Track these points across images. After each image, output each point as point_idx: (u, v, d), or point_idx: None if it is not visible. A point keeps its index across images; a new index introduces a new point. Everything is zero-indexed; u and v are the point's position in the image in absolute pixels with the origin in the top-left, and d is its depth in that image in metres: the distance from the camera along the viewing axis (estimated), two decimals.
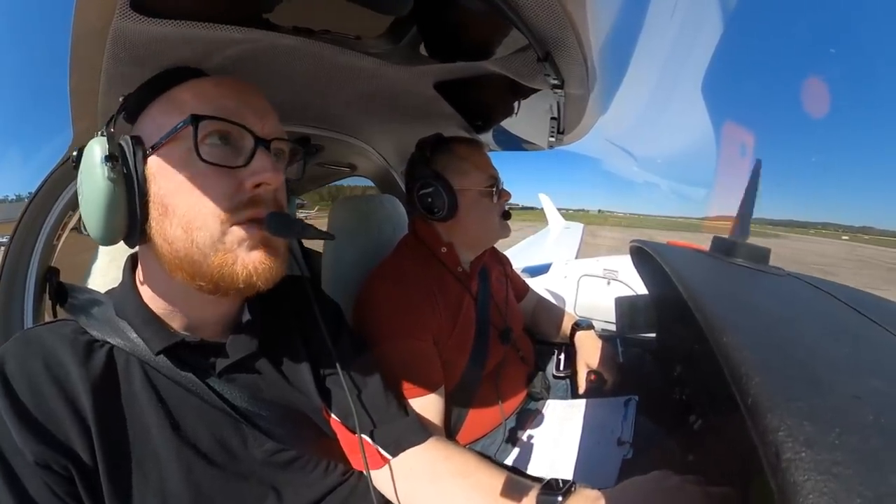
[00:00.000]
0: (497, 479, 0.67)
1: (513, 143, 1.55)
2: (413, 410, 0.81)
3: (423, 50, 0.74)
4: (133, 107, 0.60)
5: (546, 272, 3.19)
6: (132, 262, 0.67)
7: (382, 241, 1.28)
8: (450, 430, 1.06)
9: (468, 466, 0.70)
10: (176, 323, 0.63)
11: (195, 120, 0.54)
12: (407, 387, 0.88)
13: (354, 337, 0.83)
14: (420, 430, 0.75)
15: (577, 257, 4.65)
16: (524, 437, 1.11)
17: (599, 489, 0.63)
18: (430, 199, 1.04)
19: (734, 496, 0.55)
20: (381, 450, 0.72)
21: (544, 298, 1.61)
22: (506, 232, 1.15)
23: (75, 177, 0.58)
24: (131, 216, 0.56)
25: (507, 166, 1.17)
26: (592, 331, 1.34)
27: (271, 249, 0.59)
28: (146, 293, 0.63)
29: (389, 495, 0.71)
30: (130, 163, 0.56)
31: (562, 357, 1.39)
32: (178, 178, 0.55)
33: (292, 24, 0.63)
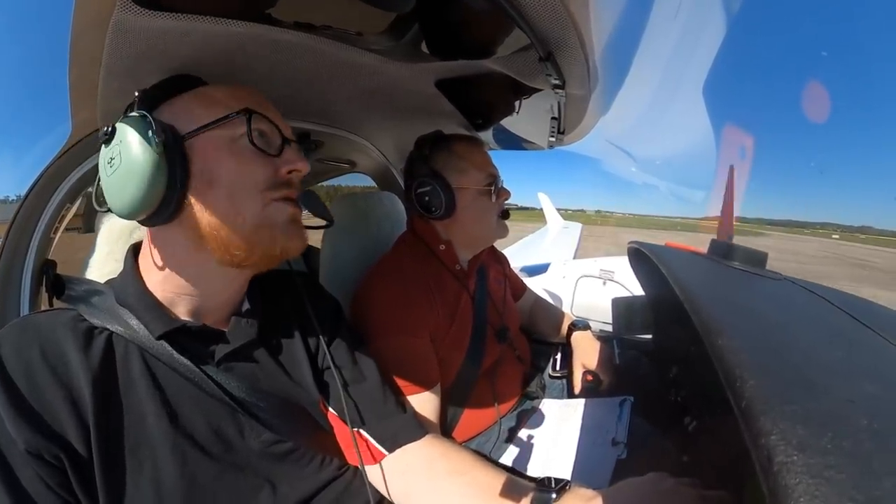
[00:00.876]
0: (493, 478, 0.67)
1: (513, 143, 1.55)
2: (410, 407, 0.82)
3: (424, 47, 0.73)
4: (151, 98, 0.63)
5: (544, 272, 3.19)
6: (134, 250, 0.68)
7: (381, 238, 1.28)
8: (446, 428, 1.07)
9: (464, 464, 0.71)
10: (178, 309, 0.64)
11: (249, 112, 0.62)
12: (403, 383, 0.88)
13: (353, 332, 0.83)
14: (417, 427, 0.76)
15: (575, 257, 4.66)
16: (519, 436, 1.11)
17: (594, 489, 0.63)
18: (427, 198, 1.04)
19: (728, 499, 0.55)
20: (377, 445, 0.72)
21: (542, 298, 1.61)
22: (504, 232, 1.14)
23: (76, 166, 0.60)
24: (171, 188, 0.58)
25: (503, 165, 1.18)
26: (589, 331, 1.35)
27: (301, 225, 0.68)
28: (151, 280, 0.64)
29: (384, 491, 0.71)
30: (170, 140, 0.59)
31: (558, 357, 1.40)
32: (224, 158, 0.61)
33: (294, 19, 0.63)
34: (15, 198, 0.86)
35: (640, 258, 1.12)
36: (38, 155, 0.83)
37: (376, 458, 0.72)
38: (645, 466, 0.64)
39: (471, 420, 1.10)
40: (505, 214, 1.14)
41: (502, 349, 1.18)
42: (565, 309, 1.78)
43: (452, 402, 1.07)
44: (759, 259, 0.86)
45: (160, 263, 0.64)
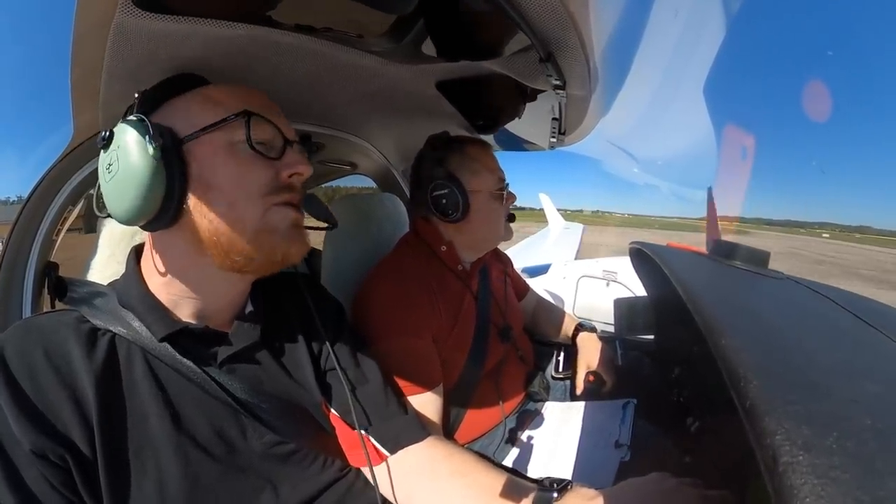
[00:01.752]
0: (494, 479, 0.67)
1: (514, 144, 1.55)
2: (412, 408, 0.81)
3: (425, 49, 0.74)
4: (151, 101, 0.62)
5: (545, 272, 3.19)
6: (136, 253, 0.68)
7: (383, 239, 1.28)
8: (448, 429, 1.06)
9: (466, 465, 0.71)
10: (181, 311, 0.64)
11: (248, 115, 0.61)
12: (405, 384, 0.88)
13: (355, 334, 0.83)
14: (419, 429, 0.75)
15: (576, 258, 4.66)
16: (523, 438, 1.11)
17: (596, 489, 0.63)
18: (444, 200, 1.04)
19: (731, 499, 0.55)
20: (379, 446, 0.72)
21: (544, 299, 1.61)
22: (509, 234, 1.15)
23: (78, 168, 0.60)
24: (169, 194, 0.58)
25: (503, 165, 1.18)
26: (595, 333, 1.35)
27: (303, 230, 0.67)
28: (153, 283, 0.64)
29: (387, 493, 0.71)
30: (169, 144, 0.58)
31: (560, 358, 1.39)
32: (223, 162, 0.60)
33: (295, 21, 0.63)
34: (16, 199, 0.87)
35: (642, 258, 1.12)
36: (41, 157, 0.83)
37: (379, 461, 0.72)
38: (648, 468, 0.64)
39: (474, 421, 1.10)
40: (511, 218, 1.14)
41: (506, 349, 1.18)
42: (567, 310, 1.77)
43: (455, 402, 1.07)
44: (761, 259, 0.86)
45: (162, 268, 0.64)
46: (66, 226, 0.87)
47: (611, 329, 1.41)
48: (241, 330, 0.68)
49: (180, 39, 0.60)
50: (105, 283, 0.69)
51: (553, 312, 1.53)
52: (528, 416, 1.17)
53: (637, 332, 1.37)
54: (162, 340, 0.60)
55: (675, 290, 0.69)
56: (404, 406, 0.79)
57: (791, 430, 0.31)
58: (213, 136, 0.60)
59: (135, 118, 0.58)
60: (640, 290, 1.33)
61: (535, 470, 1.01)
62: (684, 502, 0.57)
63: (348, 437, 0.73)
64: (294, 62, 0.76)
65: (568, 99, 0.83)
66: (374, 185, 1.86)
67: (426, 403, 0.89)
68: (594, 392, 1.17)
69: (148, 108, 0.61)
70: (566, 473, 0.95)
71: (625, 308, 1.35)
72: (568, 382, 1.32)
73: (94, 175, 0.81)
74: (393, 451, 0.72)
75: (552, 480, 0.65)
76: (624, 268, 2.61)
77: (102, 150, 0.60)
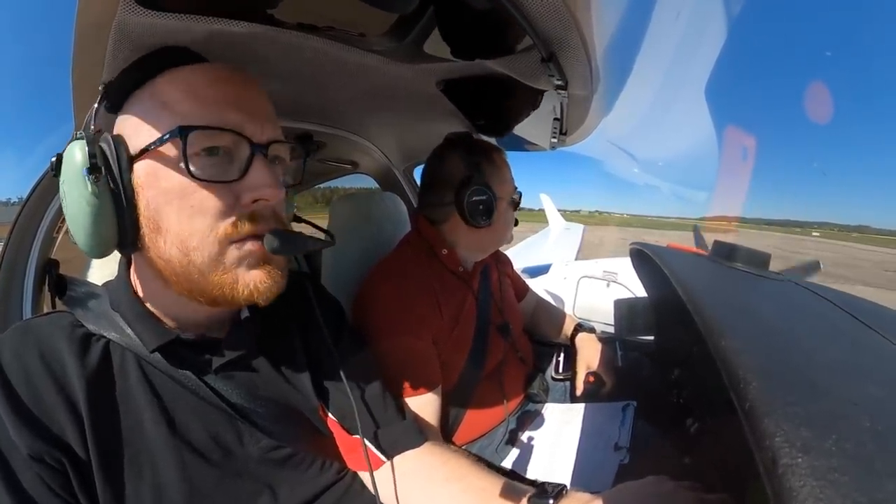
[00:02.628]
0: (490, 483, 0.67)
1: (515, 144, 1.54)
2: (410, 413, 0.81)
3: (426, 48, 0.74)
4: (115, 96, 0.57)
5: (546, 273, 3.19)
6: (128, 255, 0.65)
7: (383, 238, 1.28)
8: (447, 430, 1.06)
9: (462, 470, 0.70)
10: (172, 320, 0.62)
11: (183, 132, 0.51)
12: (404, 385, 0.88)
13: (355, 336, 0.82)
14: (417, 434, 0.75)
15: (577, 258, 4.65)
16: (522, 439, 1.11)
17: (593, 492, 0.63)
18: (481, 207, 1.01)
19: (730, 502, 0.55)
20: (376, 451, 0.72)
21: (544, 299, 1.61)
22: (511, 238, 1.17)
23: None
24: (121, 231, 0.54)
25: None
26: (594, 334, 1.34)
27: (273, 265, 0.58)
28: (142, 292, 0.62)
29: (383, 497, 0.71)
30: (115, 171, 0.53)
31: (560, 358, 1.39)
32: (168, 193, 0.53)
33: (297, 20, 0.63)
34: (17, 200, 0.87)
35: (643, 259, 1.12)
36: (42, 156, 0.83)
37: (376, 466, 0.71)
38: (647, 471, 0.64)
39: (473, 422, 1.10)
40: (515, 222, 1.16)
41: (505, 350, 1.18)
42: (567, 310, 1.77)
43: (454, 404, 1.07)
44: (761, 260, 0.86)
45: (143, 282, 0.62)
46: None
47: (611, 330, 1.41)
48: (237, 336, 0.66)
49: (182, 37, 0.60)
50: (105, 279, 0.68)
51: (553, 313, 1.53)
52: (528, 417, 1.17)
53: (637, 333, 1.37)
54: (153, 351, 0.58)
55: (676, 292, 0.69)
56: (402, 411, 0.78)
57: (790, 432, 0.31)
58: (157, 155, 0.53)
59: (79, 138, 0.53)
60: (640, 291, 1.33)
61: (533, 472, 1.01)
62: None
63: (346, 442, 0.72)
64: (296, 61, 0.76)
65: (569, 99, 0.83)
66: (368, 185, 1.86)
67: (425, 405, 0.89)
68: (594, 393, 1.17)
69: (113, 104, 0.57)
70: (565, 476, 0.95)
71: (625, 309, 1.35)
72: (568, 383, 1.32)
73: None
74: (390, 456, 0.72)
75: (548, 485, 0.64)
76: (624, 268, 2.61)
77: (55, 178, 0.56)
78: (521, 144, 1.53)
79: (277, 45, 0.69)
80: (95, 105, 0.56)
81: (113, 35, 0.55)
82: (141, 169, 0.54)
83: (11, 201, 0.90)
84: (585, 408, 1.14)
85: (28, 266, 0.81)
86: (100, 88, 0.56)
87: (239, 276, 0.55)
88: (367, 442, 0.71)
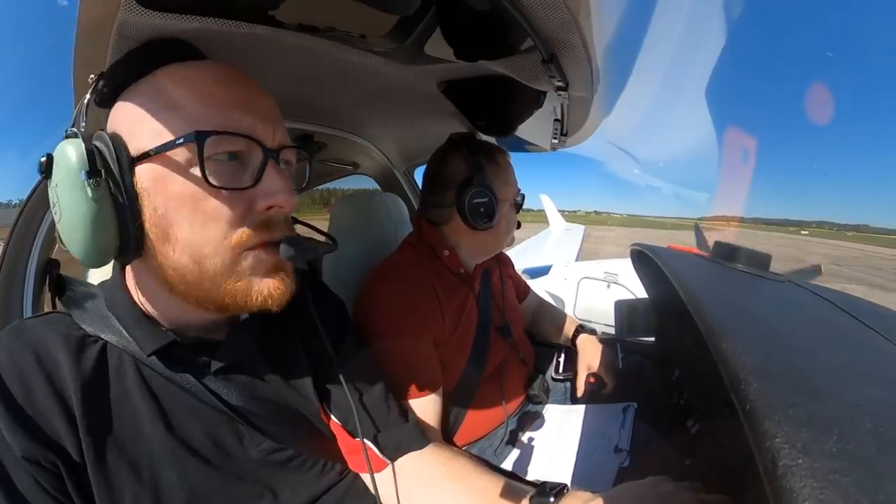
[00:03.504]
0: (491, 483, 0.67)
1: (516, 145, 1.55)
2: (413, 415, 0.81)
3: (427, 49, 0.74)
4: (108, 89, 0.54)
5: (546, 274, 3.19)
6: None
7: (384, 239, 1.29)
8: (448, 431, 1.06)
9: (463, 471, 0.70)
10: (169, 322, 0.60)
11: (200, 137, 0.49)
12: (405, 387, 0.88)
13: (357, 337, 0.81)
14: (419, 436, 0.75)
15: (577, 259, 4.65)
16: (523, 440, 1.11)
17: (593, 492, 0.63)
18: (482, 209, 1.00)
19: (729, 503, 0.54)
20: (379, 454, 0.71)
21: (545, 300, 1.61)
22: (512, 240, 1.17)
23: None
24: (123, 239, 0.52)
25: None
26: (595, 336, 1.35)
27: (285, 272, 0.57)
28: (138, 296, 0.60)
29: (385, 498, 0.71)
30: (116, 174, 0.50)
31: (561, 359, 1.39)
32: (179, 199, 0.51)
33: (298, 21, 0.63)
34: (18, 202, 0.87)
35: (643, 260, 1.12)
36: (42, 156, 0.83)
37: (379, 468, 0.71)
38: (647, 474, 0.64)
39: (474, 423, 1.10)
40: (518, 224, 1.15)
41: (506, 351, 1.18)
42: (568, 311, 1.77)
43: (455, 405, 1.07)
44: (762, 261, 0.86)
45: (140, 290, 0.60)
46: None
47: (611, 331, 1.41)
48: (236, 338, 0.64)
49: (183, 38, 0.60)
50: (103, 280, 0.68)
51: (553, 314, 1.52)
52: (528, 419, 1.17)
53: (638, 334, 1.37)
54: (151, 355, 0.57)
55: (676, 293, 0.69)
56: (405, 413, 0.78)
57: (791, 433, 0.31)
58: (164, 159, 0.51)
59: (73, 136, 0.51)
60: (641, 292, 1.33)
61: (534, 473, 1.01)
62: None
63: (348, 444, 0.72)
64: (297, 62, 0.76)
65: (570, 100, 0.83)
66: (367, 186, 1.87)
67: (426, 406, 0.89)
68: (595, 394, 1.17)
69: (106, 97, 0.54)
70: (565, 477, 0.95)
71: (626, 310, 1.35)
72: (568, 384, 1.32)
73: None
74: (393, 458, 0.71)
75: (549, 484, 0.64)
76: (625, 269, 2.61)
77: (45, 180, 0.53)
78: (522, 145, 1.53)
79: (278, 46, 0.69)
80: (87, 97, 0.53)
81: (114, 35, 0.55)
82: (146, 172, 0.51)
83: (13, 203, 0.90)
84: (586, 409, 1.13)
85: (28, 266, 0.81)
86: (90, 79, 0.54)
87: (252, 284, 0.54)
88: (369, 444, 0.71)
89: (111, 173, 0.50)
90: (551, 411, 1.19)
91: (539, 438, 1.11)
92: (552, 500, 0.61)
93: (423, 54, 0.75)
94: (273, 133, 0.55)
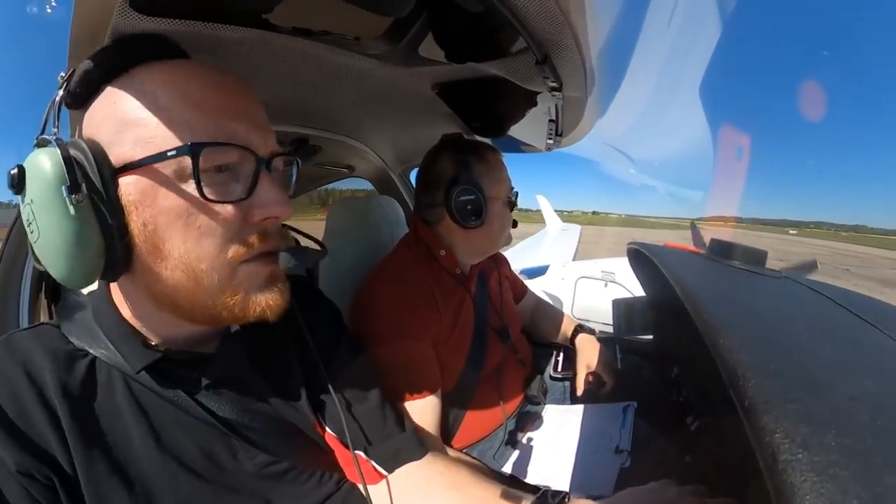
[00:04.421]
0: (489, 492, 0.66)
1: (510, 145, 1.55)
2: (410, 424, 0.79)
3: (421, 51, 0.74)
4: (81, 89, 0.50)
5: (543, 274, 3.20)
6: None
7: (380, 241, 1.28)
8: (446, 434, 1.06)
9: (461, 479, 0.69)
10: (158, 337, 0.58)
11: (196, 149, 0.46)
12: (404, 390, 0.88)
13: (353, 344, 0.79)
14: (417, 446, 0.73)
15: (574, 259, 4.66)
16: (521, 443, 1.11)
17: (595, 497, 0.62)
18: (469, 206, 1.01)
19: None
20: (377, 466, 0.70)
21: (543, 300, 1.61)
22: (509, 239, 1.16)
23: None
24: (110, 257, 0.49)
25: None
26: (594, 335, 1.35)
27: (281, 282, 0.56)
28: (125, 310, 0.58)
29: None
30: (98, 187, 0.47)
31: (560, 358, 1.39)
32: (170, 213, 0.48)
33: (291, 24, 0.63)
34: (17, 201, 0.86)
35: (640, 259, 1.12)
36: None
37: (376, 480, 0.70)
38: (648, 474, 0.64)
39: (472, 425, 1.10)
40: (514, 224, 1.15)
41: (504, 352, 1.18)
42: (566, 311, 1.78)
43: (453, 406, 1.07)
44: (758, 257, 0.86)
45: (128, 305, 0.57)
46: None
47: (609, 329, 1.42)
48: (227, 350, 0.62)
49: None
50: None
51: (552, 314, 1.52)
52: (527, 419, 1.17)
53: (636, 333, 1.37)
54: (139, 371, 0.55)
55: (674, 290, 0.69)
56: (402, 423, 0.76)
57: (790, 429, 0.31)
58: (152, 171, 0.48)
59: (45, 145, 0.47)
60: (638, 291, 1.33)
61: (534, 474, 1.00)
62: None
63: (344, 456, 0.71)
64: (291, 65, 0.76)
65: (564, 101, 0.83)
66: (367, 187, 1.87)
67: (425, 408, 0.89)
68: (594, 393, 1.17)
69: (79, 98, 0.51)
70: (566, 478, 0.95)
71: (623, 308, 1.35)
72: (567, 384, 1.32)
73: None
74: (391, 469, 0.70)
75: (550, 492, 0.63)
76: (622, 268, 2.61)
77: (16, 194, 0.49)
78: (517, 145, 1.54)
79: (272, 50, 0.69)
80: (58, 96, 0.49)
81: (108, 40, 0.55)
82: (131, 185, 0.48)
83: (13, 203, 0.90)
84: (585, 409, 1.14)
85: (24, 273, 0.81)
86: (59, 77, 0.50)
87: (250, 297, 0.53)
88: (366, 456, 0.70)
89: (93, 187, 0.47)
90: (550, 412, 1.19)
91: (539, 439, 1.11)
92: (551, 499, 0.61)
93: (417, 56, 0.75)
94: (265, 141, 0.53)
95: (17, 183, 0.47)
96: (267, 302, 0.54)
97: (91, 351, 0.56)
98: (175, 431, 0.57)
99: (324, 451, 0.71)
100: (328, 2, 0.60)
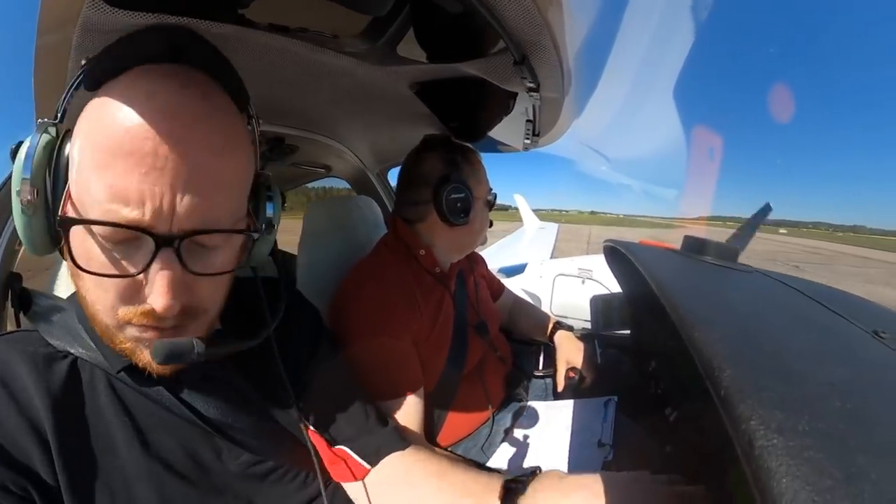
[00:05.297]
0: (468, 477, 0.68)
1: (488, 145, 1.56)
2: (392, 420, 0.80)
3: (400, 50, 0.74)
4: (90, 81, 0.50)
5: (522, 272, 3.22)
6: None
7: (358, 242, 1.27)
8: (431, 432, 1.06)
9: (441, 468, 0.70)
10: None
11: (63, 225, 0.46)
12: (386, 388, 0.87)
13: (333, 344, 0.80)
14: (399, 440, 0.74)
15: (552, 257, 4.71)
16: (506, 439, 1.11)
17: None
18: (459, 204, 1.03)
19: (703, 495, 0.56)
20: (360, 461, 0.71)
21: (521, 298, 1.63)
22: (485, 238, 1.18)
23: None
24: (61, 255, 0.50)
25: None
26: (573, 331, 1.37)
27: (187, 334, 0.52)
28: None
29: (367, 502, 0.70)
30: (49, 201, 0.48)
31: (541, 356, 1.41)
32: (81, 255, 0.47)
33: (268, 21, 0.62)
34: None
35: (616, 256, 1.14)
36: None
37: (360, 475, 0.70)
38: (631, 467, 0.65)
39: (457, 423, 1.10)
40: (490, 223, 1.17)
41: (484, 350, 1.19)
42: (544, 308, 1.80)
43: (436, 405, 1.07)
44: (731, 253, 0.89)
45: None
46: None
47: (588, 325, 1.44)
48: (210, 351, 0.59)
49: None
50: (71, 293, 0.65)
51: (530, 311, 1.54)
52: (511, 417, 1.18)
53: (614, 328, 1.40)
54: (120, 372, 0.55)
55: (649, 286, 0.71)
56: (384, 419, 0.77)
57: (765, 415, 0.32)
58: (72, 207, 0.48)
59: (45, 131, 0.48)
60: (615, 287, 1.35)
61: (518, 470, 1.01)
62: (652, 498, 0.57)
63: (328, 453, 0.71)
64: (268, 63, 0.75)
65: (542, 101, 0.84)
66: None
67: (408, 406, 0.89)
68: (575, 388, 1.19)
69: (90, 88, 0.50)
70: None
71: (601, 304, 1.37)
72: (549, 381, 1.34)
73: None
74: (374, 463, 0.71)
75: (523, 472, 0.66)
76: (599, 265, 2.66)
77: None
78: (495, 145, 1.54)
79: (249, 47, 0.68)
80: (73, 85, 0.50)
81: (77, 33, 0.53)
82: (69, 207, 0.48)
83: None
84: (567, 405, 1.15)
85: None
86: (82, 63, 0.50)
87: (136, 351, 0.51)
88: (349, 451, 0.70)
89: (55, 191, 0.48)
90: (533, 408, 1.20)
91: (522, 436, 1.11)
92: (525, 479, 0.63)
93: (395, 55, 0.75)
94: (185, 212, 0.46)
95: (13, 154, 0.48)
96: (151, 365, 0.52)
97: (72, 351, 0.56)
98: (159, 431, 0.57)
99: (308, 451, 0.70)
100: None
